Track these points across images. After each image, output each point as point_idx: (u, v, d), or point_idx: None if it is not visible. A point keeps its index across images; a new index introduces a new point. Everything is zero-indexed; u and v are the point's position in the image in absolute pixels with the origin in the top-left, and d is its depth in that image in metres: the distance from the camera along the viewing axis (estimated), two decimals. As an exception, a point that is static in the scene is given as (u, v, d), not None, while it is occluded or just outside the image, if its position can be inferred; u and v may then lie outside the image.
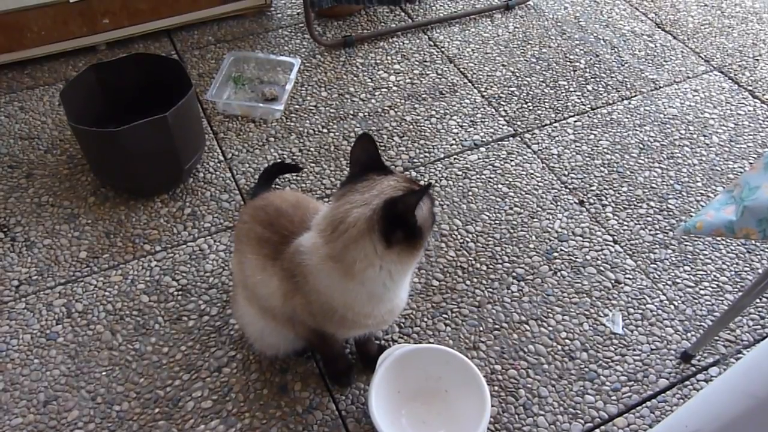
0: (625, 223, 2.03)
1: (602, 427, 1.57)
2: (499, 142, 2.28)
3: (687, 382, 1.66)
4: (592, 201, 2.09)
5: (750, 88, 2.51)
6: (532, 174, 2.17)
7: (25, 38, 2.43)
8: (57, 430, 1.54)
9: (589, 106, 2.43)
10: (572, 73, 2.56)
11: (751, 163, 2.23)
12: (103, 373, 1.64)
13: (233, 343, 1.70)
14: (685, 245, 1.97)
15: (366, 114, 2.36)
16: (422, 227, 1.22)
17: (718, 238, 2.00)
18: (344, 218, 1.20)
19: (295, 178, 2.12)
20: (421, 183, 1.25)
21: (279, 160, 2.16)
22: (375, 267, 1.22)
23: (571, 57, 2.63)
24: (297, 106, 2.38)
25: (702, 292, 1.85)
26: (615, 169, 2.19)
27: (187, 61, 2.57)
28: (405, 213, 1.16)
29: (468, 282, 1.86)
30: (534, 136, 2.31)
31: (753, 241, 1.98)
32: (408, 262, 1.26)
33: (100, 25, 2.51)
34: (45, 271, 1.85)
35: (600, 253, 1.94)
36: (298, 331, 1.46)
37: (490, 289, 1.84)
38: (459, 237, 1.97)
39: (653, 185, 2.15)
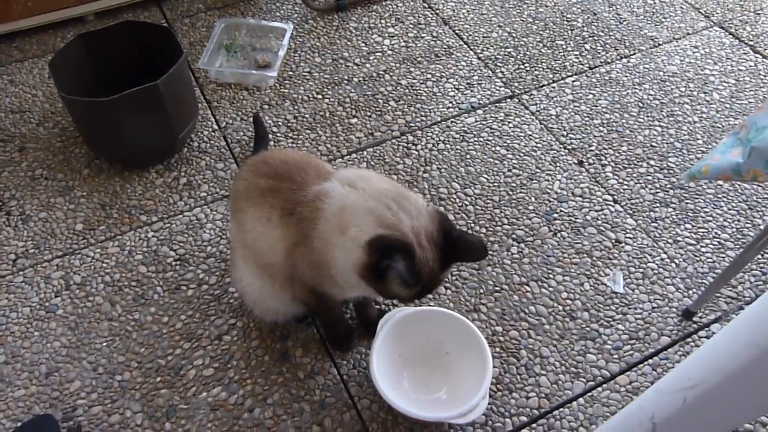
0: (625, 182, 2.01)
1: (604, 386, 1.57)
2: (497, 104, 2.25)
3: (689, 339, 1.66)
4: (591, 161, 2.07)
5: (751, 43, 2.47)
6: (530, 135, 2.15)
7: (12, 10, 2.38)
8: (60, 401, 1.54)
9: (587, 65, 2.39)
10: (570, 32, 2.52)
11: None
12: (104, 344, 1.64)
13: (233, 311, 1.69)
14: (686, 203, 1.95)
15: (361, 79, 2.33)
16: (390, 280, 1.21)
17: (724, 183, 1.98)
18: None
19: (291, 144, 2.10)
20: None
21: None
22: (351, 263, 1.24)
23: (569, 16, 2.59)
24: (290, 73, 2.35)
25: (703, 249, 1.85)
26: (614, 128, 2.17)
27: (178, 30, 2.52)
28: (386, 264, 1.17)
29: (467, 245, 1.84)
30: (532, 97, 2.27)
31: (760, 184, 1.95)
32: (369, 288, 1.27)
33: (88, -6, 2.47)
34: (42, 245, 1.84)
35: (600, 213, 1.93)
36: (295, 292, 1.44)
37: (490, 252, 1.83)
38: (458, 200, 1.96)
39: (653, 144, 2.12)
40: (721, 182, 2.01)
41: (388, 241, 1.16)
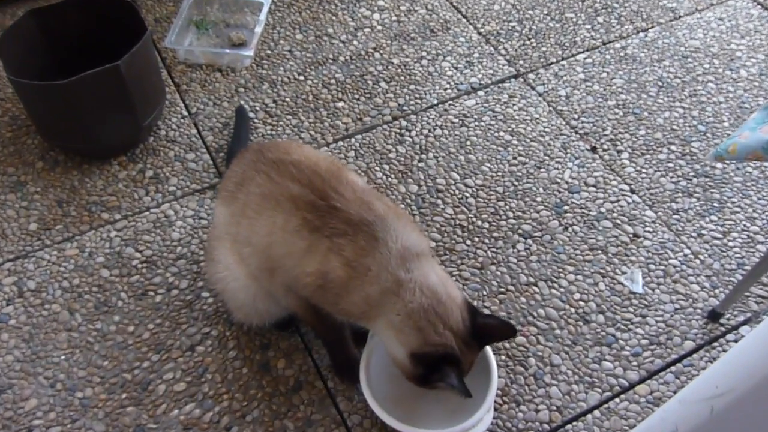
0: (644, 170, 2.02)
1: (622, 396, 1.58)
2: (500, 85, 2.25)
3: (716, 343, 1.66)
4: (605, 147, 2.08)
5: (781, 14, 2.48)
6: (537, 119, 2.15)
7: (-46, -16, 2.36)
8: (14, 421, 1.53)
9: (600, 40, 2.39)
10: (580, 3, 2.52)
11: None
12: (62, 357, 1.63)
13: (207, 319, 1.69)
14: (711, 192, 1.96)
15: (347, 58, 2.32)
16: (437, 385, 1.34)
17: (754, 164, 1.99)
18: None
19: (270, 132, 2.09)
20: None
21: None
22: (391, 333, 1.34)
23: (579, -15, 2.59)
24: (269, 52, 2.34)
25: (731, 243, 1.85)
26: (631, 110, 2.17)
27: (141, 4, 2.51)
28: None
29: (469, 242, 1.85)
30: (539, 76, 2.28)
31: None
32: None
33: (40, -35, 2.45)
34: (-9, 247, 1.83)
35: (616, 204, 1.93)
36: (288, 301, 1.46)
37: (494, 249, 1.83)
38: (457, 192, 1.96)
39: (674, 127, 2.13)
40: (750, 165, 2.02)
41: (434, 357, 1.29)
